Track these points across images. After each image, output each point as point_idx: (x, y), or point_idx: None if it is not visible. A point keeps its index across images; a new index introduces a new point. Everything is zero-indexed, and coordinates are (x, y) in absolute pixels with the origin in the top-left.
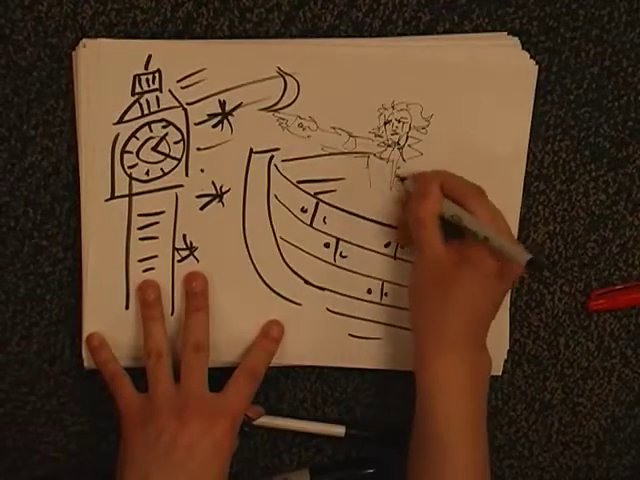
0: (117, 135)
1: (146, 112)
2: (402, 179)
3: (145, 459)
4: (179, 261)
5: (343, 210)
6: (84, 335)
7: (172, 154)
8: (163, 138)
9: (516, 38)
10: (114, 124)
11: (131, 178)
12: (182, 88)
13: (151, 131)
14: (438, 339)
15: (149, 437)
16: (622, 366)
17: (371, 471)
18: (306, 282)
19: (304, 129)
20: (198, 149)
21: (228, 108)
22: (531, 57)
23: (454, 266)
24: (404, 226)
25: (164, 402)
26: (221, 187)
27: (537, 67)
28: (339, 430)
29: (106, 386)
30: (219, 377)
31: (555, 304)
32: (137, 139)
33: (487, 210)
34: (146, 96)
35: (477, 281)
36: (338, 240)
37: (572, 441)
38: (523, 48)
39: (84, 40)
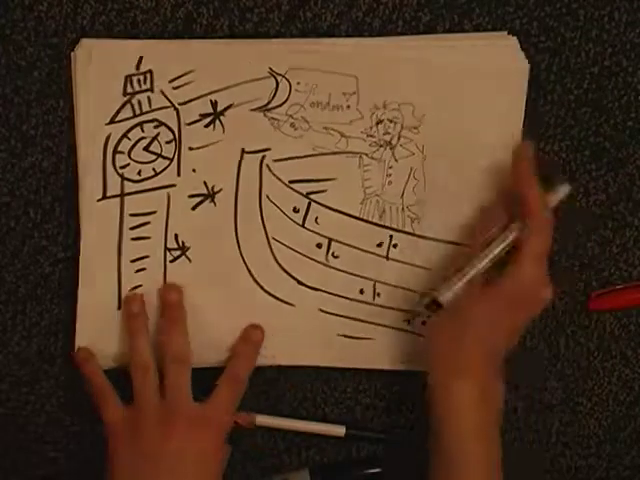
0: (109, 135)
1: (138, 112)
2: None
3: (133, 471)
4: (171, 261)
5: (335, 210)
6: (77, 337)
7: (164, 154)
8: (155, 138)
9: (509, 36)
10: (106, 124)
11: (123, 178)
12: (174, 88)
13: (143, 131)
14: (452, 362)
15: (136, 449)
16: (622, 366)
17: (371, 471)
18: (298, 282)
19: (296, 129)
20: (190, 149)
21: (220, 108)
22: (531, 57)
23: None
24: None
25: (149, 414)
26: (213, 187)
27: (529, 65)
28: (339, 430)
29: (92, 399)
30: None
31: (555, 304)
32: (129, 139)
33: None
34: (138, 96)
35: (493, 309)
36: (330, 240)
37: (572, 441)
38: (523, 48)
39: (83, 40)
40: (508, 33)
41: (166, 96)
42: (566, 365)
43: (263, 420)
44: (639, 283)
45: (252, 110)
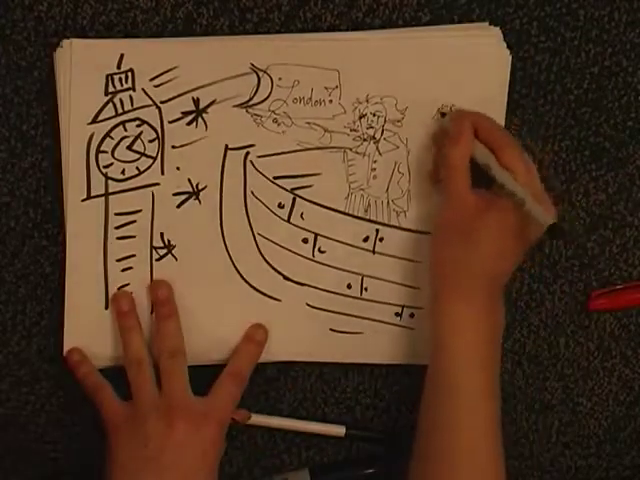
0: (92, 135)
1: (120, 111)
2: (442, 114)
3: (135, 466)
4: (157, 260)
5: (320, 205)
6: (65, 338)
7: (147, 152)
8: (138, 137)
9: (491, 26)
10: (88, 124)
11: (107, 177)
12: (155, 86)
13: (125, 130)
14: (455, 283)
15: (138, 444)
16: (622, 366)
17: (371, 471)
18: (285, 278)
19: (279, 125)
20: (173, 147)
21: (202, 105)
22: (531, 57)
23: (479, 214)
24: (438, 163)
25: (149, 408)
26: (197, 184)
27: (511, 57)
28: (339, 430)
29: (89, 399)
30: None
31: (555, 304)
32: (112, 138)
33: (519, 164)
34: (119, 95)
35: (499, 232)
36: (316, 235)
37: (572, 441)
38: (523, 48)
39: (63, 40)
40: (508, 33)
41: (148, 94)
42: (566, 365)
43: (262, 420)
44: (639, 283)
45: (234, 106)
